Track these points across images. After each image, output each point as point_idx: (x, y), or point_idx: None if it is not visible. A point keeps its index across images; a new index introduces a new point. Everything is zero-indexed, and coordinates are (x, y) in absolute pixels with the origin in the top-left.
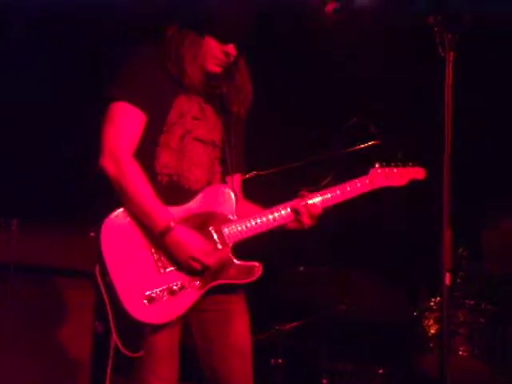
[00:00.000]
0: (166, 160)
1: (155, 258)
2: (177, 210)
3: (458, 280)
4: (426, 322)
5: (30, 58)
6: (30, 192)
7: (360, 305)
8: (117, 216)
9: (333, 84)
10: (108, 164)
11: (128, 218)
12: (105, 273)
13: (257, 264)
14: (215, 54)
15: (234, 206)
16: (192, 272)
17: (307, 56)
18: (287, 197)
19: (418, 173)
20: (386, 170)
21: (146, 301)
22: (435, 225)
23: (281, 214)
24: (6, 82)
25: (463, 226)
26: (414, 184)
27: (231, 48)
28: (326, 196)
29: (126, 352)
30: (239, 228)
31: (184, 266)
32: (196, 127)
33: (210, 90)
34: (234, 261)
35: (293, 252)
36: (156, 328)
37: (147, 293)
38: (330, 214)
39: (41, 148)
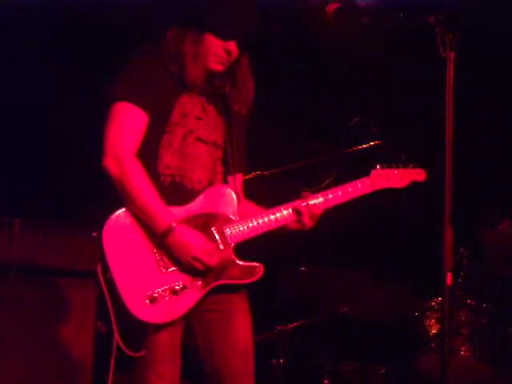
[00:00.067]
0: (168, 160)
1: (157, 257)
2: (179, 211)
3: (460, 280)
4: (428, 321)
5: (29, 58)
6: (32, 192)
7: (362, 305)
8: (119, 216)
9: (334, 84)
10: (110, 164)
11: (130, 218)
12: (107, 272)
13: (258, 264)
14: (216, 51)
15: (236, 206)
16: (194, 272)
17: (308, 56)
18: (288, 197)
19: (418, 174)
20: (387, 171)
21: (148, 300)
22: (436, 224)
23: (282, 214)
24: (6, 81)
25: (464, 226)
26: (414, 184)
27: (232, 45)
28: (328, 197)
29: (128, 351)
30: (241, 228)
31: (186, 266)
32: (198, 127)
33: (213, 90)
34: (236, 261)
35: (295, 252)
36: (158, 327)
37: (149, 292)
38: (331, 214)
39: (43, 148)
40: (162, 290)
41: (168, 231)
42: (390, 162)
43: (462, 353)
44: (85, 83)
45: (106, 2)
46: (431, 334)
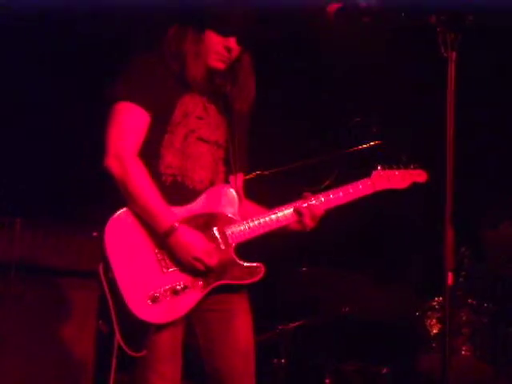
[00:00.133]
0: (169, 160)
1: (159, 257)
2: (180, 211)
3: (461, 279)
4: (429, 321)
5: (29, 58)
6: (32, 192)
7: (363, 305)
8: (121, 216)
9: (335, 84)
10: (112, 164)
11: (132, 218)
12: (108, 272)
13: (259, 265)
14: (217, 49)
15: (237, 206)
16: (195, 272)
17: (309, 56)
18: (289, 197)
19: (419, 175)
20: (388, 172)
21: (149, 300)
22: (437, 224)
23: (283, 215)
24: (6, 82)
25: (465, 226)
26: (415, 185)
27: (232, 42)
28: (329, 198)
29: (129, 351)
30: (242, 228)
31: (187, 267)
32: (200, 127)
33: (214, 89)
34: (237, 261)
35: (296, 252)
36: (159, 327)
37: (151, 292)
38: (332, 215)
39: (43, 148)
40: (164, 290)
41: (170, 231)
42: (391, 162)
43: (463, 352)
44: (85, 83)
45: (106, 3)
46: (432, 333)
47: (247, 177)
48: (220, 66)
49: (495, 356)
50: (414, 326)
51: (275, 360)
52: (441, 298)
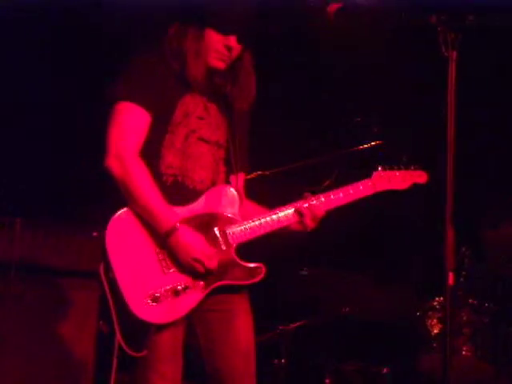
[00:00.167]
0: (170, 160)
1: (159, 257)
2: (181, 211)
3: (461, 279)
4: (430, 321)
5: (29, 58)
6: (33, 192)
7: (364, 305)
8: (122, 216)
9: (335, 84)
10: (113, 164)
11: (133, 218)
12: (109, 271)
13: (260, 265)
14: (217, 47)
15: (238, 206)
16: (195, 274)
17: (309, 55)
18: (289, 197)
19: (420, 176)
20: (389, 173)
21: (150, 300)
22: (437, 224)
23: (284, 215)
24: (6, 82)
25: (465, 226)
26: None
27: (233, 40)
28: (329, 198)
29: (130, 351)
30: (243, 228)
31: (187, 268)
32: (200, 127)
33: (214, 89)
34: (238, 262)
35: (297, 253)
36: (160, 328)
37: (151, 292)
38: (333, 216)
39: (43, 148)
40: (164, 290)
41: (171, 231)
42: (392, 162)
43: (464, 352)
44: (85, 83)
45: (106, 3)
46: (433, 333)
47: (248, 177)
48: (220, 65)
49: (496, 356)
50: (414, 326)
51: (276, 360)
52: (441, 298)
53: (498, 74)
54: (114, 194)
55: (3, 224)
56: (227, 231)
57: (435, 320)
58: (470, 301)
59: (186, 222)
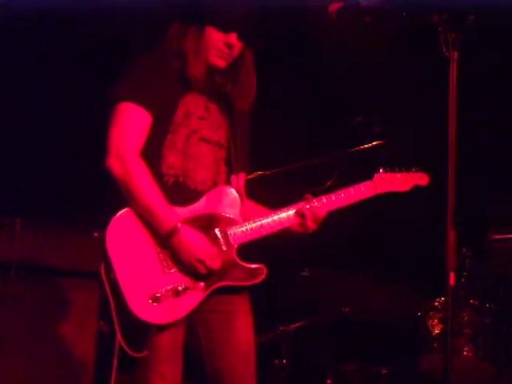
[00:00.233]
0: (171, 161)
1: (160, 258)
2: (182, 211)
3: (463, 280)
4: (431, 321)
5: (29, 58)
6: (33, 192)
7: (364, 306)
8: (123, 216)
9: (337, 83)
10: (114, 164)
11: (134, 218)
12: (110, 272)
13: (261, 266)
14: (218, 45)
15: (239, 207)
16: (196, 274)
17: (311, 55)
18: (290, 197)
19: (421, 178)
20: (390, 174)
21: (150, 301)
22: (439, 225)
23: (285, 216)
24: (6, 82)
25: (467, 226)
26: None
27: (233, 38)
28: (331, 200)
29: (130, 352)
30: (244, 229)
31: (189, 268)
32: (202, 127)
33: (215, 88)
34: (239, 263)
35: (298, 254)
36: (160, 328)
37: (152, 293)
38: (334, 217)
39: (43, 148)
40: (165, 291)
41: (172, 232)
42: (393, 162)
43: (465, 353)
44: (85, 83)
45: (106, 3)
46: (434, 334)
47: (248, 177)
48: (220, 63)
49: (497, 356)
50: (415, 326)
51: (276, 361)
52: (443, 299)
53: (498, 74)
54: (115, 194)
55: (3, 224)
56: (228, 232)
57: (436, 320)
58: (472, 301)
59: (187, 222)
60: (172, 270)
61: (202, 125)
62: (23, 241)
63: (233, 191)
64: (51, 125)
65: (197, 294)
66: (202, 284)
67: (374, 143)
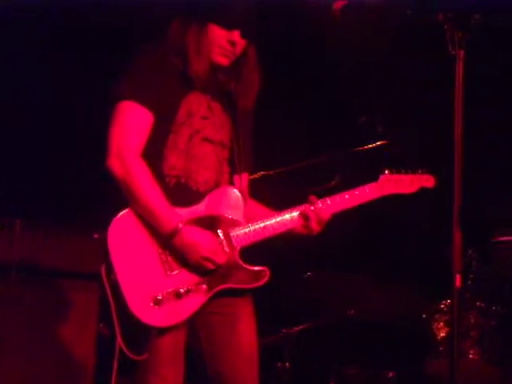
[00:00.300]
0: (173, 161)
1: (162, 259)
2: (184, 212)
3: (469, 282)
4: (436, 324)
5: (29, 58)
6: (33, 193)
7: (369, 308)
8: (124, 217)
9: (341, 82)
10: (115, 164)
11: (135, 219)
12: (111, 273)
13: (264, 268)
14: (220, 43)
15: (242, 208)
16: (202, 273)
17: (314, 54)
18: (293, 198)
19: (427, 180)
20: (396, 176)
21: (152, 303)
22: (444, 226)
23: (289, 218)
24: (6, 81)
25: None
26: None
27: (236, 35)
28: (335, 201)
29: (131, 355)
30: (247, 231)
31: (194, 267)
32: (204, 127)
33: (218, 86)
34: (242, 265)
35: (301, 256)
36: (161, 331)
37: (153, 295)
38: (338, 218)
39: (43, 148)
40: (167, 293)
41: (174, 232)
42: (397, 162)
43: (471, 356)
44: (85, 83)
45: (106, 2)
46: (439, 337)
47: (251, 177)
48: (223, 61)
49: (504, 359)
50: (420, 329)
51: (279, 364)
52: (448, 301)
53: (505, 73)
54: (116, 195)
55: (3, 225)
56: (231, 234)
57: (442, 323)
58: (478, 303)
59: (189, 223)
60: (174, 272)
61: (204, 124)
62: (23, 242)
63: (236, 192)
64: (51, 125)
65: (199, 296)
66: (204, 286)
67: (377, 143)
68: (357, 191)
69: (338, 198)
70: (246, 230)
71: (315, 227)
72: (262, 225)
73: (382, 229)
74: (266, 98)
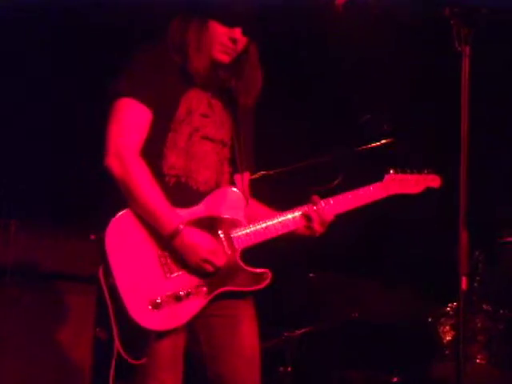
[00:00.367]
0: (173, 161)
1: (162, 262)
2: (185, 213)
3: (475, 284)
4: (442, 328)
5: (29, 58)
6: (28, 193)
7: (373, 311)
8: (122, 217)
9: (344, 79)
10: (113, 163)
11: (134, 220)
12: (109, 275)
13: (266, 271)
14: (222, 40)
15: (244, 209)
16: (202, 275)
17: (317, 51)
18: (295, 198)
19: (433, 180)
20: (401, 176)
21: (150, 306)
22: (451, 227)
23: (291, 218)
24: (6, 81)
25: (479, 229)
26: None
27: (238, 33)
28: (339, 202)
29: (129, 359)
30: (248, 232)
31: (194, 269)
32: (205, 125)
33: (218, 84)
34: (243, 267)
35: (304, 258)
36: (160, 335)
37: (152, 298)
38: (342, 219)
39: (42, 148)
40: (166, 296)
41: (175, 233)
42: (403, 161)
43: (478, 360)
44: (85, 83)
45: (106, 2)
46: (445, 341)
47: (252, 177)
48: (224, 58)
49: (511, 363)
50: (426, 332)
51: (281, 367)
52: (455, 304)
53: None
54: (114, 195)
55: None
56: (232, 235)
57: (448, 327)
58: (485, 307)
59: (190, 224)
60: (173, 275)
61: (204, 122)
62: (18, 243)
63: (236, 192)
64: (51, 125)
65: (199, 299)
66: (204, 289)
67: (382, 141)
68: (361, 191)
69: (341, 198)
70: (248, 230)
71: (318, 228)
72: (263, 225)
73: (386, 230)
74: (268, 96)
